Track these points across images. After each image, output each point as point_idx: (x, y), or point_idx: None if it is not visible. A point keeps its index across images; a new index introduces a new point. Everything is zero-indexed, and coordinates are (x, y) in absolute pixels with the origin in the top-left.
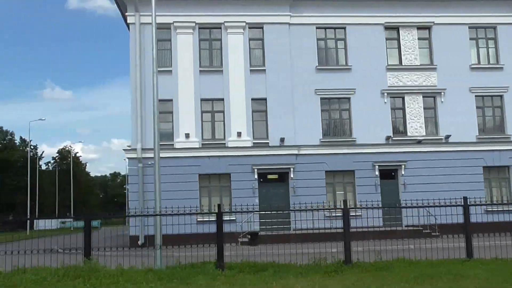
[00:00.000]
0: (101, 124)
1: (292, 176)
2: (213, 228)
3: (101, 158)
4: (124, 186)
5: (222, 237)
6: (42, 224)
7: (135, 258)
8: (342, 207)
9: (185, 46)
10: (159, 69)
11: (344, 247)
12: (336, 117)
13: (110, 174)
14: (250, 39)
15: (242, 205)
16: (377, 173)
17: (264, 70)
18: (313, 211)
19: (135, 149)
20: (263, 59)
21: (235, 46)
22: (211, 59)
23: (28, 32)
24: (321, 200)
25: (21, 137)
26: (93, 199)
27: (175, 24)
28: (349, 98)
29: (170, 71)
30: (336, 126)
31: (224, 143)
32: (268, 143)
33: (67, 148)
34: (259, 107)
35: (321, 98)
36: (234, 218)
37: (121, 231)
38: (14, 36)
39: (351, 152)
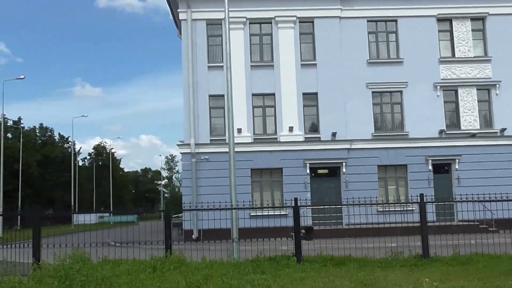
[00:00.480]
0: (129, 121)
1: (344, 170)
2: (266, 223)
3: (130, 154)
4: (155, 182)
5: (299, 231)
6: (81, 218)
7: (196, 252)
8: (419, 201)
9: (236, 41)
10: (211, 64)
11: (421, 241)
12: (387, 111)
13: (141, 169)
14: (300, 34)
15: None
16: (430, 167)
17: (315, 64)
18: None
19: (188, 144)
20: (314, 53)
21: (285, 40)
22: (261, 54)
23: (57, 30)
24: (373, 195)
25: (59, 134)
26: (127, 194)
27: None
28: (401, 92)
29: (221, 67)
30: (388, 120)
31: (276, 138)
32: (319, 137)
33: (102, 144)
34: (310, 102)
35: (373, 92)
36: (286, 213)
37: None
38: (44, 35)
39: (403, 146)
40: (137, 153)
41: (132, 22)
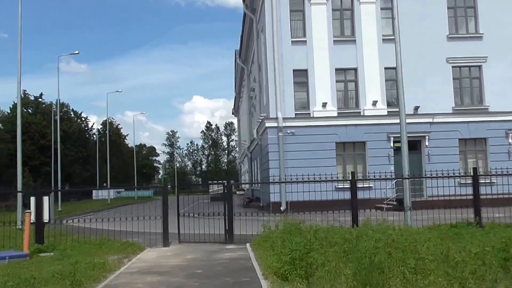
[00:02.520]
0: (114, 97)
1: (427, 144)
2: (349, 195)
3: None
4: (150, 158)
5: None
6: (100, 194)
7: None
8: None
9: (318, 17)
10: (293, 39)
11: None
12: (467, 85)
13: (136, 145)
14: (381, 8)
15: (380, 172)
16: (510, 140)
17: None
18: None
19: (275, 119)
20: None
21: (367, 15)
22: (342, 29)
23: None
24: (454, 168)
25: (73, 110)
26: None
27: None
28: (480, 66)
29: (305, 41)
30: (468, 94)
31: (359, 112)
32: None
33: (109, 120)
34: (391, 76)
35: (453, 67)
36: (372, 185)
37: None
38: (29, 10)
39: (483, 120)
40: (125, 129)
41: None
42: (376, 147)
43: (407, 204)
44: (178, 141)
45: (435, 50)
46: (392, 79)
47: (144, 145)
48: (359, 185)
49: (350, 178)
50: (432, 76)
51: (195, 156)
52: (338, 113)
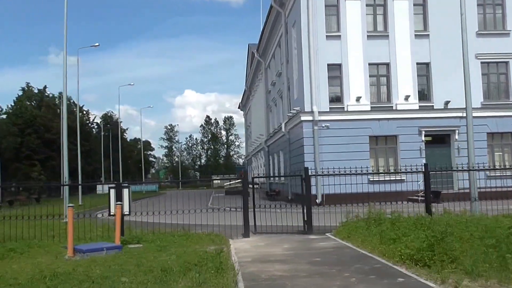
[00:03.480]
0: (105, 91)
1: (456, 137)
2: (383, 188)
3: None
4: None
5: None
6: (105, 189)
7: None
8: None
9: (352, 12)
10: (328, 34)
11: None
12: (494, 81)
13: (130, 140)
14: (414, 5)
15: (411, 165)
16: None
17: (428, 35)
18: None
19: (310, 112)
20: (426, 24)
21: (400, 11)
22: (375, 24)
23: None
24: (483, 161)
25: (74, 102)
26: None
27: None
28: (507, 62)
29: (339, 36)
30: (496, 90)
31: (391, 106)
32: (432, 106)
33: (109, 114)
34: (423, 71)
35: (481, 62)
36: (404, 178)
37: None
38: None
39: (510, 115)
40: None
41: None
42: (407, 141)
43: (473, 195)
44: (176, 135)
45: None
46: (423, 74)
47: (139, 139)
48: (393, 177)
49: (423, 170)
50: (462, 72)
51: (194, 151)
52: (371, 107)
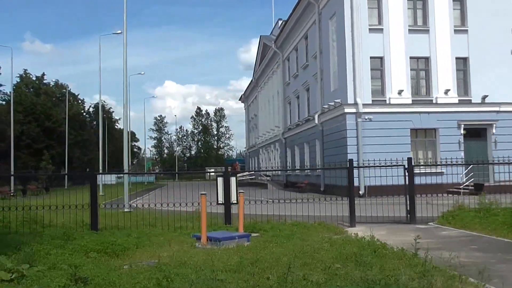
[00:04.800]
0: (82, 80)
1: (494, 131)
2: (423, 180)
3: None
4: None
5: None
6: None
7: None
8: None
9: (394, 5)
10: (370, 27)
11: None
12: None
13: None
14: (453, 0)
15: (451, 158)
16: None
17: (466, 30)
18: None
19: (354, 104)
20: (465, 19)
21: (440, 6)
22: (415, 19)
23: None
24: None
25: (69, 91)
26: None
27: None
28: None
29: (381, 29)
30: None
31: (431, 100)
32: (470, 100)
33: (102, 104)
34: (461, 66)
35: None
36: (444, 171)
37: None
38: None
39: None
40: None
41: None
42: (447, 134)
43: None
44: (166, 126)
45: (501, 42)
46: (461, 68)
47: (122, 129)
48: (433, 170)
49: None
50: (498, 67)
51: (184, 142)
52: (412, 100)
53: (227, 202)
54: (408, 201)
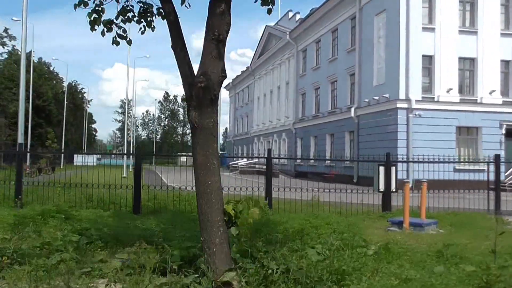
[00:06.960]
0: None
1: None
2: (466, 176)
3: None
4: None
5: None
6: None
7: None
8: None
9: (445, 6)
10: (423, 26)
11: None
12: None
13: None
14: (501, 4)
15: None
16: None
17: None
18: None
19: (406, 100)
20: (510, 23)
21: (487, 9)
22: (464, 20)
23: None
24: None
25: (49, 70)
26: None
27: None
28: None
29: (433, 28)
30: None
31: (475, 99)
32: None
33: (73, 84)
34: (504, 68)
35: None
36: (485, 168)
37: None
38: None
39: None
40: None
41: None
42: (489, 133)
43: None
44: (131, 110)
45: None
46: (504, 71)
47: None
48: (476, 167)
49: None
50: None
51: (151, 126)
52: (459, 99)
53: (387, 190)
54: (495, 196)
